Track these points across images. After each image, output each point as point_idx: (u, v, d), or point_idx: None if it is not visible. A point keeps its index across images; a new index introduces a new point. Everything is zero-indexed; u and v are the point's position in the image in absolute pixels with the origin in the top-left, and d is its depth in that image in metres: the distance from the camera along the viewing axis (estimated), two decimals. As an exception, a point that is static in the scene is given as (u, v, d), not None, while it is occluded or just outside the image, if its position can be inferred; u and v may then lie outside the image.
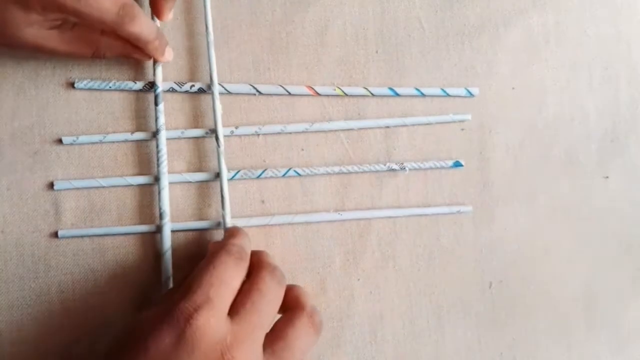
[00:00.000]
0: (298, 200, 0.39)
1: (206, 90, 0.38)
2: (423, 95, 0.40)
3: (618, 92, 0.42)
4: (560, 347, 0.40)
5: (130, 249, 0.37)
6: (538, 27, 0.42)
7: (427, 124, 0.40)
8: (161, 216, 0.36)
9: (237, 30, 0.39)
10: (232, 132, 0.38)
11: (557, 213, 0.41)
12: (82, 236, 0.37)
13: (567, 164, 0.41)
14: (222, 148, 0.37)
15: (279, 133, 0.39)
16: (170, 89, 0.38)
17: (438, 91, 0.40)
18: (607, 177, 0.42)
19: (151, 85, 0.38)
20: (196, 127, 0.38)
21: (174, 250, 0.37)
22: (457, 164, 0.40)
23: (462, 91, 0.40)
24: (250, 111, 0.39)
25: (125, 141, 0.38)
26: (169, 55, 0.37)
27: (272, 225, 0.38)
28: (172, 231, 0.37)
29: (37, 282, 0.37)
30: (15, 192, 0.37)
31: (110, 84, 0.38)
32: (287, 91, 0.39)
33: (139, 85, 0.38)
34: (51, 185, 0.37)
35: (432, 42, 0.41)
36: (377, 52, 0.40)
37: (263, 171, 0.38)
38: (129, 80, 0.38)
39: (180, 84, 0.38)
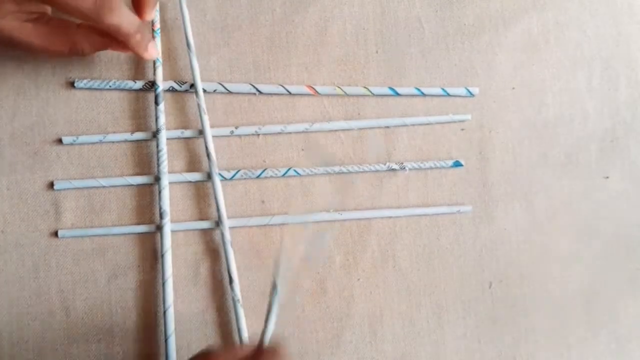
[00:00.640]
0: (298, 200, 0.39)
1: (206, 89, 0.38)
2: (423, 95, 0.40)
3: (618, 92, 0.42)
4: (560, 347, 0.40)
5: (130, 249, 0.37)
6: (538, 27, 0.42)
7: (427, 123, 0.40)
8: (161, 216, 0.36)
9: (237, 30, 0.39)
10: (232, 132, 0.38)
11: (557, 213, 0.41)
12: (82, 236, 0.37)
13: (567, 164, 0.41)
14: (202, 103, 0.36)
15: (279, 133, 0.39)
16: (170, 89, 0.38)
17: (438, 91, 0.40)
18: (607, 177, 0.42)
19: (151, 85, 0.38)
20: (196, 127, 0.38)
21: (174, 250, 0.37)
22: (457, 164, 0.40)
23: (462, 91, 0.40)
24: (250, 111, 0.39)
25: (125, 141, 0.38)
26: (153, 51, 0.35)
27: (272, 225, 0.38)
28: (172, 231, 0.37)
29: (37, 282, 0.37)
30: (15, 192, 0.37)
31: (110, 83, 0.38)
32: (287, 91, 0.39)
33: (138, 84, 0.38)
34: (51, 185, 0.37)
35: (432, 42, 0.41)
36: (377, 52, 0.40)
37: (263, 171, 0.38)
38: (129, 79, 0.38)
39: (180, 84, 0.38)
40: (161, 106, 0.37)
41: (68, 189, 0.37)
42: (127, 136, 0.38)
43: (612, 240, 0.41)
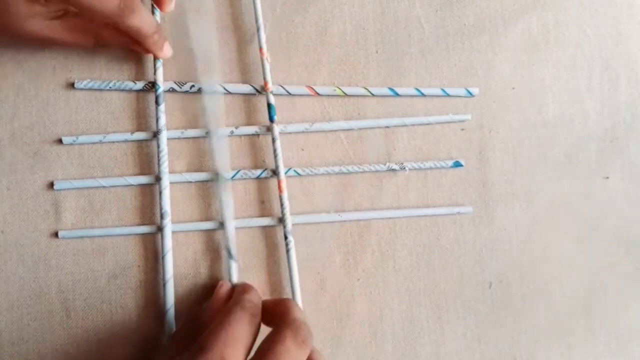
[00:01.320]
0: (298, 200, 0.39)
1: (206, 89, 0.38)
2: (423, 95, 0.40)
3: (618, 92, 0.42)
4: (560, 347, 0.40)
5: (130, 249, 0.37)
6: (538, 27, 0.42)
7: (427, 124, 0.40)
8: (162, 216, 0.36)
9: (237, 30, 0.39)
10: (232, 132, 0.38)
11: (557, 213, 0.41)
12: (82, 237, 0.37)
13: (567, 164, 0.41)
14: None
15: (279, 133, 0.39)
16: (170, 89, 0.38)
17: (438, 91, 0.40)
18: (608, 177, 0.42)
19: (151, 85, 0.38)
20: (196, 127, 0.38)
21: (174, 250, 0.37)
22: (457, 164, 0.40)
23: (462, 91, 0.40)
24: (250, 111, 0.39)
25: (125, 141, 0.38)
26: (167, 51, 0.37)
27: (272, 225, 0.38)
28: (173, 232, 0.37)
29: (37, 282, 0.37)
30: (15, 192, 0.37)
31: (110, 84, 0.38)
32: (287, 91, 0.39)
33: (139, 85, 0.38)
34: (51, 185, 0.37)
35: (432, 42, 0.41)
36: (377, 52, 0.40)
37: (263, 171, 0.38)
38: (129, 80, 0.38)
39: (180, 84, 0.38)
40: (162, 107, 0.37)
41: (68, 189, 0.37)
42: (128, 136, 0.38)
43: (612, 240, 0.41)
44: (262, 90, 0.39)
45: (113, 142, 0.38)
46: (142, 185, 0.38)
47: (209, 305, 0.34)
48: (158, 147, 0.37)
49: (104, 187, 0.37)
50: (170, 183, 0.37)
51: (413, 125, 0.40)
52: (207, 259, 0.38)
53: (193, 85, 0.38)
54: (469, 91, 0.40)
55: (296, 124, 0.39)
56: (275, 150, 0.38)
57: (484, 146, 0.41)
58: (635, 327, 0.41)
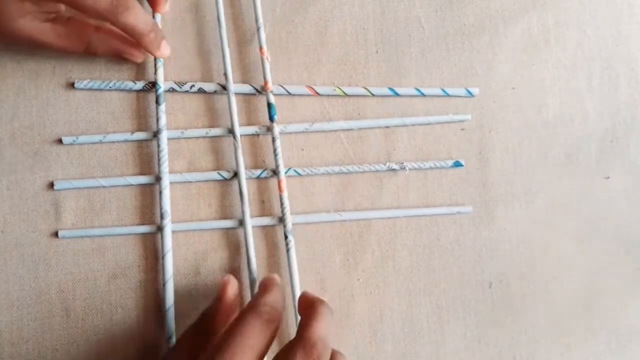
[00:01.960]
0: (298, 200, 0.39)
1: (206, 90, 0.38)
2: (423, 95, 0.40)
3: (618, 92, 0.42)
4: (560, 347, 0.40)
5: (130, 249, 0.37)
6: (538, 27, 0.42)
7: (427, 124, 0.40)
8: (162, 216, 0.36)
9: (237, 30, 0.39)
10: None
11: (557, 213, 0.41)
12: (82, 236, 0.37)
13: (567, 164, 0.41)
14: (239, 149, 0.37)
15: (280, 133, 0.39)
16: (170, 89, 0.38)
17: (438, 91, 0.40)
18: (608, 177, 0.42)
19: (151, 85, 0.38)
20: (196, 127, 0.38)
21: (174, 250, 0.37)
22: (457, 164, 0.40)
23: (462, 91, 0.40)
24: (250, 111, 0.39)
25: (125, 141, 0.38)
26: (165, 50, 0.37)
27: (272, 225, 0.38)
28: (173, 232, 0.37)
29: (37, 282, 0.37)
30: (15, 192, 0.37)
31: (110, 84, 0.38)
32: (287, 91, 0.39)
33: (139, 85, 0.38)
34: (51, 185, 0.37)
35: (432, 42, 0.41)
36: (377, 52, 0.40)
37: (263, 171, 0.38)
38: (129, 80, 0.38)
39: (180, 84, 0.38)
40: (162, 106, 0.37)
41: (68, 189, 0.37)
42: (128, 136, 0.38)
43: (612, 240, 0.41)
44: (262, 90, 0.39)
45: (113, 142, 0.38)
46: (142, 185, 0.38)
47: (217, 306, 0.33)
48: (158, 147, 0.37)
49: (104, 187, 0.37)
50: (170, 183, 0.37)
51: (413, 125, 0.40)
52: (207, 259, 0.38)
53: (193, 85, 0.38)
54: (469, 91, 0.40)
55: (296, 124, 0.39)
56: (275, 150, 0.38)
57: (484, 146, 0.41)
58: (635, 327, 0.41)
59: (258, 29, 0.38)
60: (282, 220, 0.37)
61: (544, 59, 0.42)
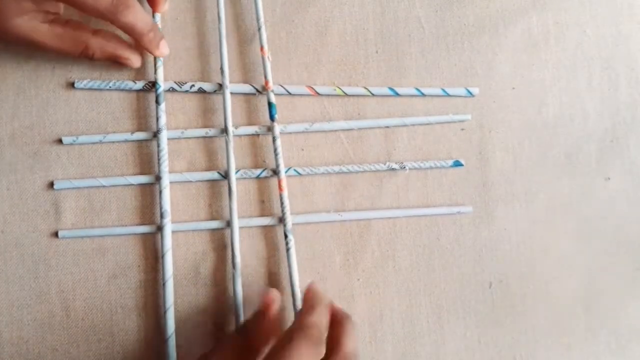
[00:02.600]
0: (298, 200, 0.39)
1: (206, 89, 0.38)
2: (423, 95, 0.40)
3: (618, 92, 0.42)
4: (560, 347, 0.40)
5: (131, 249, 0.37)
6: (538, 27, 0.42)
7: (427, 124, 0.40)
8: (162, 216, 0.36)
9: (237, 30, 0.39)
10: (232, 132, 0.38)
11: (557, 213, 0.41)
12: (82, 236, 0.37)
13: (567, 164, 0.41)
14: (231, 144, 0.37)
15: (279, 132, 0.39)
16: (170, 89, 0.38)
17: (438, 91, 0.40)
18: (609, 178, 0.42)
19: (151, 85, 0.38)
20: (196, 127, 0.38)
21: (174, 250, 0.37)
22: (457, 164, 0.40)
23: (462, 91, 0.40)
24: (250, 111, 0.39)
25: (125, 141, 0.38)
26: (164, 49, 0.37)
27: (272, 225, 0.38)
28: (172, 231, 0.37)
29: (37, 282, 0.37)
30: (15, 192, 0.37)
31: (110, 84, 0.38)
32: (287, 91, 0.39)
33: (139, 85, 0.38)
34: (51, 185, 0.37)
35: (432, 42, 0.41)
36: (377, 52, 0.40)
37: (263, 170, 0.38)
38: (129, 80, 0.38)
39: (180, 84, 0.38)
40: (162, 106, 0.37)
41: (68, 188, 0.37)
42: (128, 136, 0.38)
43: (612, 240, 0.41)
44: (262, 90, 0.39)
45: (113, 142, 0.38)
46: (142, 185, 0.38)
47: (261, 321, 0.32)
48: (158, 146, 0.37)
49: (104, 186, 0.37)
50: (170, 183, 0.37)
51: (413, 125, 0.40)
52: (207, 259, 0.38)
53: (193, 85, 0.38)
54: (469, 91, 0.40)
55: (296, 123, 0.39)
56: (275, 149, 0.38)
57: (484, 146, 0.41)
58: (635, 327, 0.41)
59: (259, 29, 0.38)
60: (282, 219, 0.37)
61: (544, 59, 0.42)
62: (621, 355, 0.41)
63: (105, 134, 0.37)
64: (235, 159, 0.38)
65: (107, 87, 0.38)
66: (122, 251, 0.37)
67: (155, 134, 0.37)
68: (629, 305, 0.41)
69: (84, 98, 0.38)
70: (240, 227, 0.38)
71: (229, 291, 0.38)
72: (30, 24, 0.32)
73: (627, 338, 0.41)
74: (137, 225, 0.37)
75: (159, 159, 0.37)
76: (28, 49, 0.37)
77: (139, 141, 0.38)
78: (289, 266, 0.37)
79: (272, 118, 0.38)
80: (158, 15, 0.38)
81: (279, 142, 0.38)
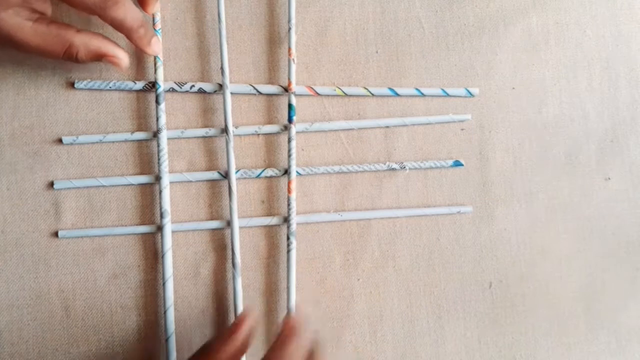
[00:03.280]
0: (298, 200, 0.39)
1: (206, 89, 0.38)
2: (423, 95, 0.40)
3: (618, 92, 0.42)
4: (560, 347, 0.40)
5: (130, 249, 0.37)
6: (538, 27, 0.42)
7: (427, 124, 0.40)
8: (162, 215, 0.36)
9: (237, 30, 0.39)
10: (232, 132, 0.38)
11: (556, 213, 0.41)
12: (82, 236, 0.37)
13: (567, 164, 0.41)
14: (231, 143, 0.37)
15: (278, 133, 0.39)
16: (170, 89, 0.38)
17: (438, 91, 0.40)
18: (609, 178, 0.42)
19: (151, 85, 0.38)
20: (196, 126, 0.38)
21: (174, 250, 0.37)
22: (457, 164, 0.40)
23: (462, 91, 0.40)
24: (250, 111, 0.39)
25: (125, 141, 0.38)
26: (156, 46, 0.36)
27: (272, 225, 0.38)
28: (172, 231, 0.37)
29: (37, 282, 0.37)
30: (15, 192, 0.37)
31: (111, 84, 0.38)
32: (287, 91, 0.39)
33: (139, 85, 0.38)
34: (51, 185, 0.37)
35: (432, 42, 0.41)
36: (377, 52, 0.40)
37: (263, 170, 0.38)
38: (129, 80, 0.38)
39: (180, 84, 0.38)
40: (162, 106, 0.37)
41: (68, 188, 0.37)
42: (128, 136, 0.38)
43: (612, 240, 0.41)
44: (261, 91, 0.39)
45: (113, 142, 0.38)
46: (142, 185, 0.38)
47: (225, 340, 0.30)
48: (158, 146, 0.37)
49: (104, 186, 0.37)
50: (170, 183, 0.37)
51: (413, 125, 0.40)
52: (207, 259, 0.38)
53: (193, 85, 0.38)
54: (469, 91, 0.40)
55: (296, 123, 0.39)
56: (290, 150, 0.38)
57: (484, 146, 0.41)
58: (635, 327, 0.41)
59: (289, 29, 0.38)
60: (287, 220, 0.37)
61: (544, 59, 0.42)
62: (621, 355, 0.41)
63: (105, 134, 0.37)
64: (235, 158, 0.38)
65: (107, 87, 0.38)
66: (122, 251, 0.37)
67: (155, 134, 0.37)
68: (629, 305, 0.41)
69: (84, 98, 0.38)
70: (240, 227, 0.38)
71: (229, 291, 0.38)
72: (13, 20, 0.31)
73: (627, 338, 0.41)
74: (137, 225, 0.38)
75: (159, 159, 0.37)
76: (9, 52, 0.36)
77: (139, 141, 0.38)
78: (288, 268, 0.37)
79: (290, 120, 0.38)
80: (158, 15, 0.38)
81: (294, 143, 0.38)
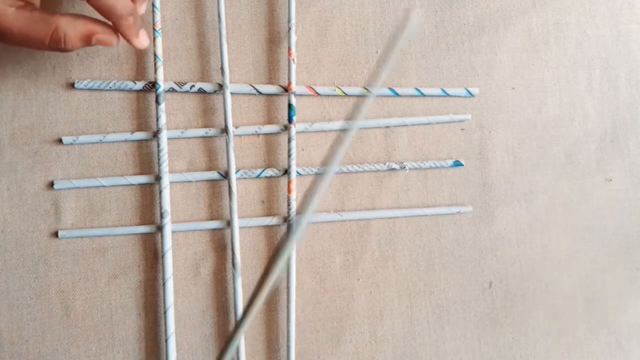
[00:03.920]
0: (298, 200, 0.39)
1: (206, 89, 0.38)
2: (423, 95, 0.40)
3: (618, 92, 0.42)
4: (560, 347, 0.40)
5: (131, 249, 0.37)
6: (538, 27, 0.42)
7: (427, 124, 0.40)
8: (162, 215, 0.36)
9: (237, 30, 0.39)
10: (232, 132, 0.38)
11: (556, 213, 0.41)
12: (82, 236, 0.37)
13: (567, 164, 0.41)
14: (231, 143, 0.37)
15: (278, 133, 0.39)
16: (170, 89, 0.38)
17: (438, 91, 0.40)
18: (610, 179, 0.42)
19: (151, 85, 0.38)
20: (196, 127, 0.38)
21: (174, 250, 0.37)
22: (457, 164, 0.40)
23: (462, 91, 0.40)
24: (250, 111, 0.39)
25: (125, 141, 0.38)
26: (143, 39, 0.34)
27: (272, 225, 0.38)
28: (172, 231, 0.37)
29: (37, 282, 0.37)
30: (15, 192, 0.37)
31: (110, 84, 0.38)
32: (287, 91, 0.39)
33: (139, 85, 0.38)
34: (51, 185, 0.37)
35: (432, 42, 0.41)
36: (377, 52, 0.40)
37: (263, 170, 0.38)
38: (129, 80, 0.38)
39: (180, 84, 0.38)
40: (162, 106, 0.37)
41: (68, 188, 0.37)
42: (128, 136, 0.38)
43: (612, 241, 0.41)
44: (261, 90, 0.39)
45: (113, 142, 0.38)
46: (142, 185, 0.38)
47: None
48: (158, 146, 0.37)
49: (104, 186, 0.37)
50: (170, 183, 0.37)
51: (413, 125, 0.40)
52: (207, 259, 0.38)
53: (193, 85, 0.38)
54: (469, 91, 0.40)
55: (296, 123, 0.39)
56: (289, 150, 0.38)
57: (484, 146, 0.41)
58: (635, 327, 0.41)
59: (289, 30, 0.38)
60: (287, 220, 0.37)
61: (544, 59, 0.42)
62: (621, 355, 0.41)
63: (105, 134, 0.37)
64: (235, 158, 0.38)
65: (107, 87, 0.38)
66: (122, 251, 0.37)
67: (155, 134, 0.37)
68: (629, 305, 0.41)
69: (84, 98, 0.38)
70: (240, 227, 0.38)
71: (229, 291, 0.38)
72: None
73: (627, 338, 0.41)
74: (137, 225, 0.38)
75: (159, 159, 0.37)
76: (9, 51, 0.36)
77: (139, 141, 0.38)
78: (287, 268, 0.37)
79: (290, 120, 0.38)
80: (158, 15, 0.38)
81: (294, 143, 0.38)
